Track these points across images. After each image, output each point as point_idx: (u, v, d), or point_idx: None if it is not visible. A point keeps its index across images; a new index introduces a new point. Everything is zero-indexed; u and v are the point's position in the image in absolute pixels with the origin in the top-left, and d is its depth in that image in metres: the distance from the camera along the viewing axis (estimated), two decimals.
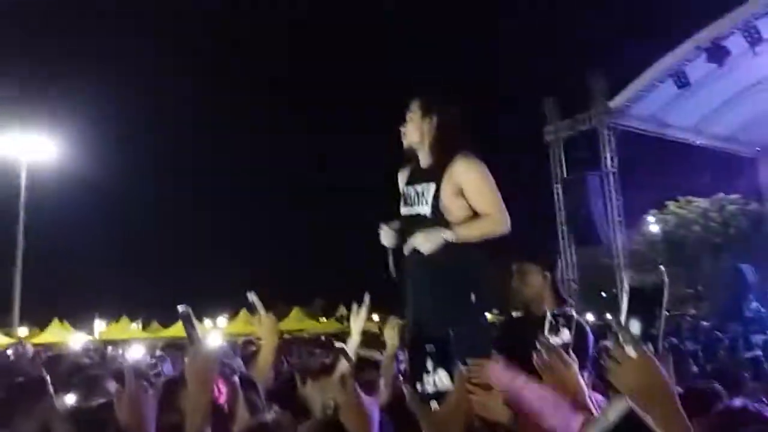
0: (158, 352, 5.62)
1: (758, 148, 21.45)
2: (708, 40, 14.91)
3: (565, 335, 1.55)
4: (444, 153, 2.71)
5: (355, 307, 2.98)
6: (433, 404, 1.37)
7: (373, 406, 1.50)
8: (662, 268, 1.25)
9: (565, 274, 19.08)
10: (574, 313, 1.57)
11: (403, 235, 2.79)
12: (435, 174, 2.72)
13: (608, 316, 26.92)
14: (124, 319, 27.94)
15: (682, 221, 29.89)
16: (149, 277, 41.74)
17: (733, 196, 27.70)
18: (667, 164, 20.48)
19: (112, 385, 3.05)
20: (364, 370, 1.42)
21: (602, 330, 18.39)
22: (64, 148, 22.88)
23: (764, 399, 5.70)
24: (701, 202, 29.19)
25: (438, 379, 1.38)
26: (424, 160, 2.83)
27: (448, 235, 2.58)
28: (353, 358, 2.49)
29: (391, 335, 2.77)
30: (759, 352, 10.03)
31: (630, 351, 1.16)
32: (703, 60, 15.19)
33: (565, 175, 18.73)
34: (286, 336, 19.94)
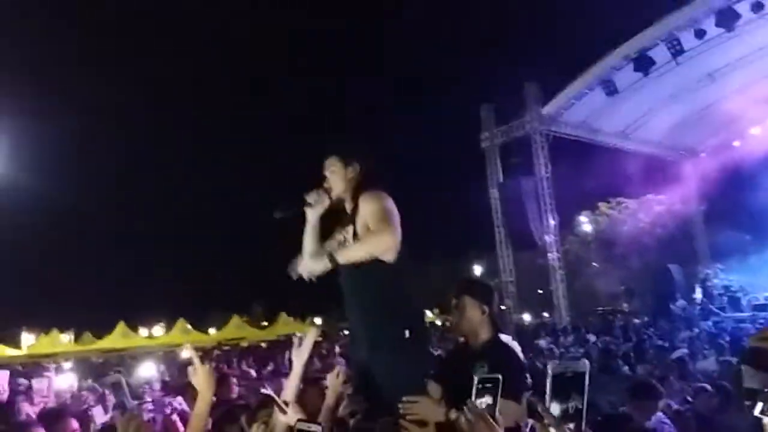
0: (89, 382, 5.37)
1: (682, 152, 22.46)
2: (634, 50, 15.56)
3: (491, 398, 1.60)
4: (357, 196, 2.87)
5: (296, 340, 2.92)
6: None
7: None
8: (586, 361, 1.34)
9: (504, 276, 19.56)
10: (500, 377, 1.62)
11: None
12: (352, 217, 2.87)
13: (544, 314, 27.73)
14: (54, 332, 26.73)
15: (612, 222, 30.97)
16: (81, 286, 40.10)
17: (660, 198, 28.88)
18: (597, 168, 21.16)
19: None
20: None
21: (538, 328, 18.65)
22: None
23: (688, 398, 5.95)
24: (630, 203, 30.32)
25: None
26: (347, 206, 2.96)
27: (330, 259, 2.69)
28: (291, 414, 2.42)
29: (334, 384, 2.73)
30: (685, 350, 10.49)
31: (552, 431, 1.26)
32: (630, 69, 15.82)
33: (501, 180, 19.15)
34: (224, 347, 19.61)
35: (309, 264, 2.76)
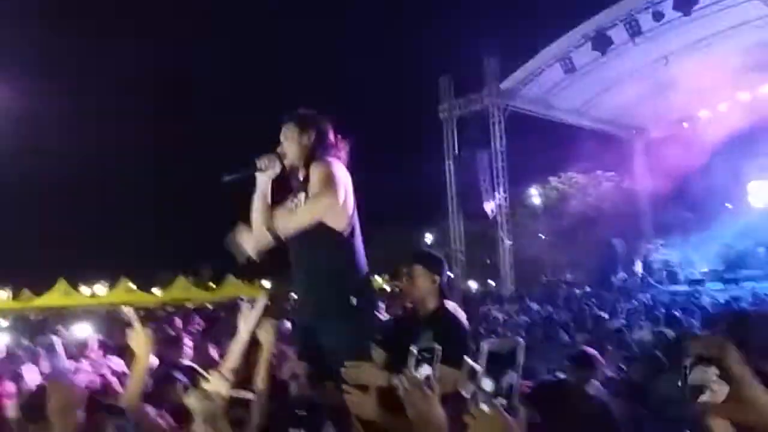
0: (24, 342, 5.21)
1: (634, 131, 22.98)
2: (593, 29, 15.71)
3: (429, 368, 1.60)
4: (310, 164, 2.85)
5: (245, 305, 2.86)
6: None
7: None
8: (519, 339, 1.35)
9: (454, 245, 19.81)
10: (438, 347, 1.62)
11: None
12: (304, 184, 2.85)
13: (491, 283, 28.31)
14: None
15: (562, 196, 31.64)
16: (19, 241, 38.66)
17: (609, 174, 29.57)
18: (551, 143, 21.54)
19: None
20: (234, 407, 1.38)
21: (484, 296, 18.91)
22: None
23: (622, 366, 6.19)
24: (580, 179, 30.98)
25: None
26: (301, 173, 2.92)
27: (271, 232, 2.67)
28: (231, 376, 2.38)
29: (266, 339, 2.69)
30: (623, 320, 10.86)
31: (484, 407, 1.27)
32: (588, 48, 16.00)
33: (457, 152, 19.25)
34: (168, 307, 19.33)
35: (251, 241, 2.70)
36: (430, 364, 1.59)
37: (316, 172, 2.77)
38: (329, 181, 2.70)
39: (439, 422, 1.56)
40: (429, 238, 34.17)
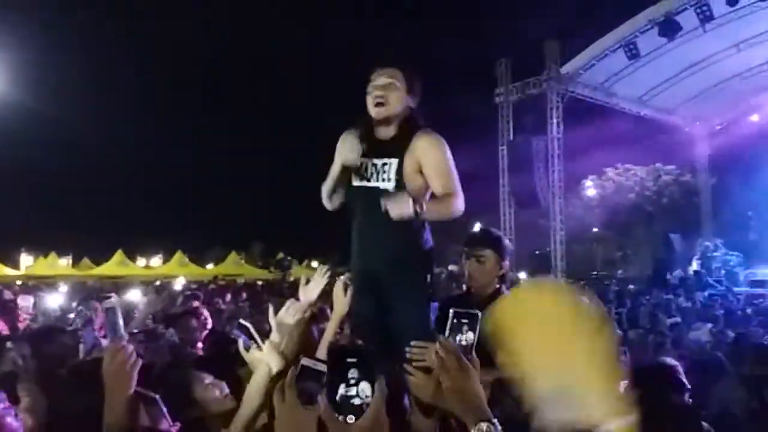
0: (76, 305, 5.33)
1: (698, 122, 22.11)
2: (661, 13, 15.08)
3: (469, 336, 1.47)
4: (409, 128, 2.58)
5: (303, 278, 2.77)
6: (350, 417, 1.25)
7: (311, 418, 1.38)
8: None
9: (503, 234, 19.48)
10: (479, 313, 1.49)
11: (352, 204, 2.69)
12: (397, 149, 2.57)
13: (539, 273, 27.77)
14: (53, 255, 26.97)
15: (618, 188, 30.80)
16: (83, 212, 40.39)
17: (669, 167, 28.65)
18: (610, 132, 20.90)
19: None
20: (305, 378, 1.30)
21: None
22: (11, 77, 20.95)
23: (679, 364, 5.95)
24: (638, 171, 30.09)
25: (360, 390, 1.26)
26: (385, 132, 2.63)
27: (416, 208, 2.46)
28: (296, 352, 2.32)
29: (340, 297, 2.59)
30: (679, 319, 10.48)
31: None
32: (654, 33, 15.38)
33: (511, 138, 18.89)
34: (220, 281, 19.71)
35: (392, 204, 2.40)
36: (471, 331, 1.46)
37: (434, 152, 2.55)
38: (456, 178, 2.54)
39: (475, 401, 1.38)
40: (477, 225, 33.72)
